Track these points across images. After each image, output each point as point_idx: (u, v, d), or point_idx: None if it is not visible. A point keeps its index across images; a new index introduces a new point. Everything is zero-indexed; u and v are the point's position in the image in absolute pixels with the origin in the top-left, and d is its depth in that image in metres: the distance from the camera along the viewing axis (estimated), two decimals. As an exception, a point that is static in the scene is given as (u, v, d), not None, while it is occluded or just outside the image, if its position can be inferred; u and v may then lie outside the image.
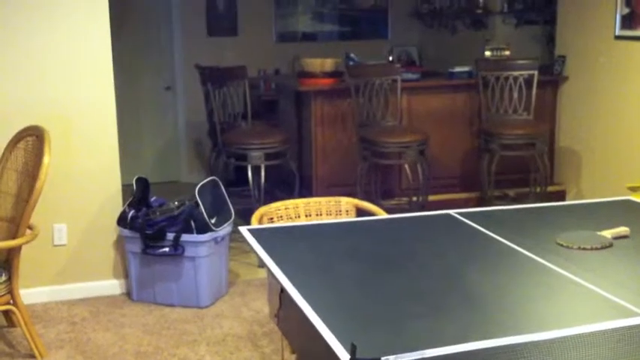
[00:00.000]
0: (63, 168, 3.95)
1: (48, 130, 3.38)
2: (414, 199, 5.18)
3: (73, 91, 3.99)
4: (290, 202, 3.10)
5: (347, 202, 3.14)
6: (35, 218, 3.33)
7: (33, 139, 3.44)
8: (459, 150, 5.60)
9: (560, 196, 5.58)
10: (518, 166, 5.35)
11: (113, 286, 4.21)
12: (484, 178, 5.25)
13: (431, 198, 5.13)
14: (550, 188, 5.44)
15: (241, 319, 3.84)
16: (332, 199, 3.15)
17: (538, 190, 5.35)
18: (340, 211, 3.12)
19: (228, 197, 4.27)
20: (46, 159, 3.24)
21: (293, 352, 2.51)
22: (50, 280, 4.10)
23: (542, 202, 4.58)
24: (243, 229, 2.53)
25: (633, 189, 4.04)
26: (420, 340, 1.69)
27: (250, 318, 3.85)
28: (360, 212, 3.11)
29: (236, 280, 4.39)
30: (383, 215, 2.96)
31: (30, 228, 3.36)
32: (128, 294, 4.16)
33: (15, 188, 3.44)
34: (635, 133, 4.89)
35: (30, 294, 3.95)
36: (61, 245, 4.09)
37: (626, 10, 4.88)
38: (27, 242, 3.30)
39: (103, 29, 3.99)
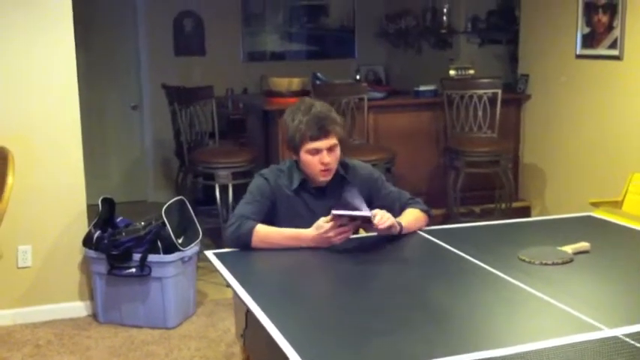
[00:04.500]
0: (27, 188, 3.91)
1: (11, 150, 3.35)
2: (382, 216, 5.20)
3: (36, 111, 3.96)
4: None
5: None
6: (-2, 240, 3.30)
7: (-4, 160, 3.41)
8: (425, 167, 5.65)
9: (526, 212, 5.65)
10: (483, 183, 5.42)
11: (79, 307, 4.16)
12: (450, 195, 5.31)
13: (398, 215, 5.16)
14: (515, 204, 5.52)
15: (209, 339, 3.82)
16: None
17: (503, 206, 5.42)
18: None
19: (196, 216, 4.25)
20: (9, 180, 3.22)
21: (260, 371, 2.51)
22: (14, 303, 4.04)
23: (507, 218, 4.64)
24: (209, 253, 2.55)
25: (595, 204, 4.11)
26: (383, 357, 1.70)
27: (218, 338, 3.83)
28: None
29: (204, 299, 4.37)
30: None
31: (-7, 250, 3.32)
32: (94, 316, 4.12)
33: (-22, 210, 3.40)
34: (597, 149, 4.99)
35: (-7, 317, 3.90)
36: (25, 267, 4.03)
37: (587, 30, 4.99)
38: (-10, 264, 3.26)
39: (67, 47, 3.96)
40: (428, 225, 2.80)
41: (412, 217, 2.75)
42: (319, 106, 2.69)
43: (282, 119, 5.24)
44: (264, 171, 2.79)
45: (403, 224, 2.66)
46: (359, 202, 2.50)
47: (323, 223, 2.51)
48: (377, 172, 2.89)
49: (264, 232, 2.57)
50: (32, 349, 3.74)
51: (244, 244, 2.57)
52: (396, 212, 2.72)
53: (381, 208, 2.64)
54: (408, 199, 2.83)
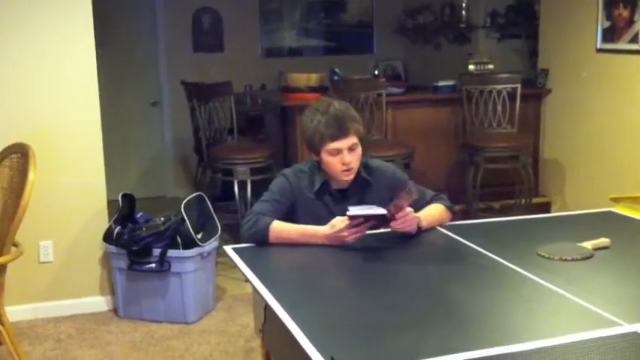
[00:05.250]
0: (48, 185, 3.95)
1: (33, 147, 3.38)
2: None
3: (57, 108, 4.00)
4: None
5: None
6: (21, 236, 3.32)
7: (18, 156, 3.44)
8: (443, 163, 5.63)
9: (546, 207, 5.62)
10: (502, 179, 5.39)
11: (99, 302, 4.20)
12: (469, 191, 5.29)
13: (416, 211, 5.15)
14: (535, 200, 5.49)
15: (228, 334, 3.84)
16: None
17: (523, 202, 5.40)
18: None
19: (215, 212, 4.28)
20: (30, 176, 3.24)
21: (278, 366, 2.52)
22: (36, 298, 4.09)
23: (527, 214, 4.61)
24: (228, 248, 2.56)
25: (616, 200, 4.07)
26: (400, 352, 1.71)
27: (237, 333, 3.85)
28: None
29: (223, 295, 4.39)
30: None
31: (15, 245, 3.35)
32: (114, 310, 4.16)
33: (0, 206, 3.43)
34: (618, 144, 4.94)
35: (16, 311, 3.93)
36: (47, 262, 4.08)
37: (607, 24, 4.95)
38: (12, 260, 3.29)
39: (87, 45, 4.00)
40: (450, 221, 2.79)
41: (434, 211, 2.74)
42: (337, 104, 2.67)
43: (300, 116, 5.28)
44: (287, 171, 2.79)
45: (422, 219, 2.64)
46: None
47: (338, 223, 2.50)
48: (400, 172, 2.87)
49: (279, 228, 2.57)
50: (53, 343, 3.78)
51: (261, 239, 2.57)
52: (418, 207, 2.70)
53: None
54: (433, 196, 2.81)
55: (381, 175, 2.76)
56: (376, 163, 2.83)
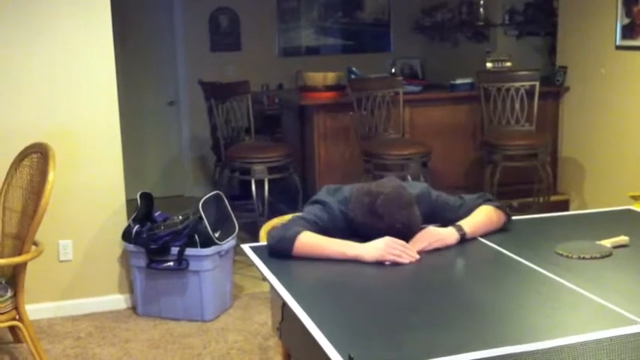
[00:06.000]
0: (68, 184, 3.99)
1: (52, 146, 3.41)
2: (418, 211, 5.18)
3: (76, 108, 4.03)
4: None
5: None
6: (40, 234, 3.36)
7: (37, 156, 3.47)
8: (461, 162, 5.61)
9: (564, 205, 5.58)
10: (521, 177, 5.37)
11: (118, 300, 4.23)
12: (487, 189, 5.25)
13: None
14: (553, 198, 5.45)
15: (246, 332, 3.86)
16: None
17: (541, 200, 5.36)
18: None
19: (233, 211, 4.29)
20: (50, 176, 3.27)
21: (296, 364, 2.53)
22: (56, 296, 4.13)
23: (545, 212, 4.58)
24: (246, 247, 2.55)
25: (635, 198, 4.04)
26: (417, 350, 1.70)
27: (255, 331, 3.86)
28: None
29: (240, 293, 4.41)
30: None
31: (35, 244, 3.39)
32: (133, 308, 4.18)
33: (20, 205, 3.47)
34: (637, 142, 4.90)
35: (35, 310, 3.98)
36: (66, 261, 4.11)
37: (627, 21, 4.91)
38: (32, 259, 3.33)
39: (106, 45, 4.03)
40: (506, 224, 2.61)
41: (479, 216, 2.54)
42: (401, 215, 2.35)
43: (317, 115, 5.29)
44: (333, 205, 2.50)
45: (466, 228, 2.47)
46: None
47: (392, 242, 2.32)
48: (421, 185, 2.63)
49: (309, 237, 2.37)
50: (73, 341, 3.81)
51: (286, 247, 2.36)
52: (462, 216, 2.55)
53: (444, 216, 2.53)
54: (476, 197, 2.62)
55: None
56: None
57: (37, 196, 3.29)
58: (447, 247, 2.43)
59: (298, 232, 2.36)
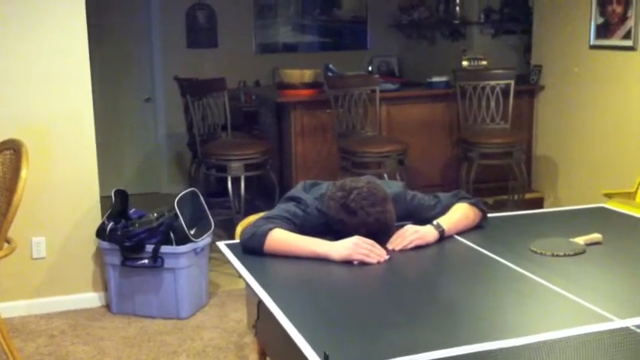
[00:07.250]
0: (41, 181, 3.94)
1: (25, 143, 3.37)
2: (394, 208, 5.20)
3: (50, 104, 3.99)
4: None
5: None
6: (13, 232, 3.32)
7: (10, 152, 3.43)
8: (437, 159, 5.64)
9: (538, 203, 5.63)
10: (496, 175, 5.41)
11: (92, 298, 4.19)
12: (463, 187, 5.29)
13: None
14: (528, 196, 5.50)
15: (221, 329, 3.84)
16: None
17: (516, 197, 5.41)
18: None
19: (209, 208, 4.27)
20: (23, 173, 3.23)
21: (271, 362, 2.52)
22: (29, 294, 4.08)
23: (520, 209, 4.63)
24: (221, 244, 2.54)
25: (609, 195, 4.09)
26: (394, 348, 1.71)
27: (231, 329, 3.85)
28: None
29: (216, 290, 4.39)
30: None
31: (7, 242, 3.35)
32: (107, 306, 4.15)
33: (-8, 202, 3.43)
34: (611, 140, 4.96)
35: (8, 307, 3.93)
36: (39, 258, 4.07)
37: (601, 20, 4.96)
38: (5, 256, 3.29)
39: (80, 40, 3.98)
40: (482, 221, 2.62)
41: (457, 213, 2.55)
42: (373, 209, 2.32)
43: (294, 112, 5.29)
44: (308, 201, 2.49)
45: (444, 225, 2.48)
46: None
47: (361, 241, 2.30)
48: (397, 185, 2.62)
49: (281, 234, 2.35)
50: (46, 339, 3.77)
51: (257, 244, 2.35)
52: (438, 215, 2.55)
53: (420, 216, 2.53)
54: (451, 196, 2.62)
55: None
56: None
57: (9, 193, 3.25)
58: (427, 245, 2.44)
59: (270, 229, 2.35)
